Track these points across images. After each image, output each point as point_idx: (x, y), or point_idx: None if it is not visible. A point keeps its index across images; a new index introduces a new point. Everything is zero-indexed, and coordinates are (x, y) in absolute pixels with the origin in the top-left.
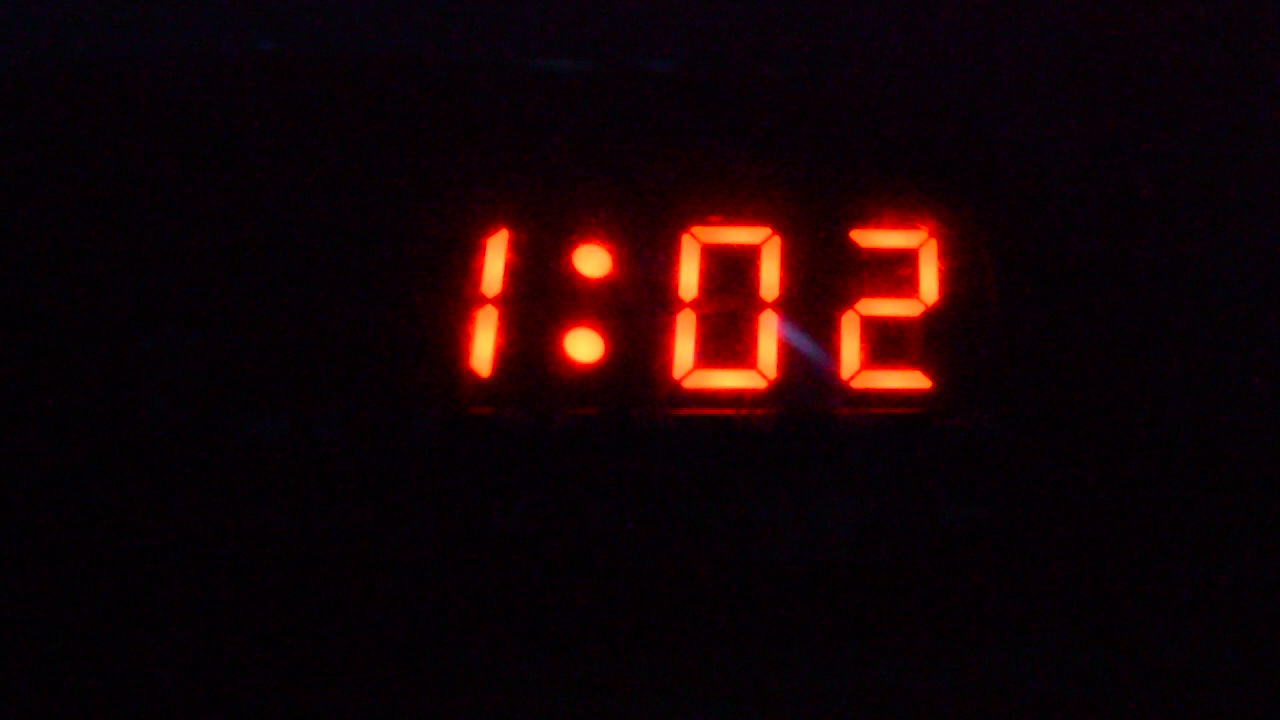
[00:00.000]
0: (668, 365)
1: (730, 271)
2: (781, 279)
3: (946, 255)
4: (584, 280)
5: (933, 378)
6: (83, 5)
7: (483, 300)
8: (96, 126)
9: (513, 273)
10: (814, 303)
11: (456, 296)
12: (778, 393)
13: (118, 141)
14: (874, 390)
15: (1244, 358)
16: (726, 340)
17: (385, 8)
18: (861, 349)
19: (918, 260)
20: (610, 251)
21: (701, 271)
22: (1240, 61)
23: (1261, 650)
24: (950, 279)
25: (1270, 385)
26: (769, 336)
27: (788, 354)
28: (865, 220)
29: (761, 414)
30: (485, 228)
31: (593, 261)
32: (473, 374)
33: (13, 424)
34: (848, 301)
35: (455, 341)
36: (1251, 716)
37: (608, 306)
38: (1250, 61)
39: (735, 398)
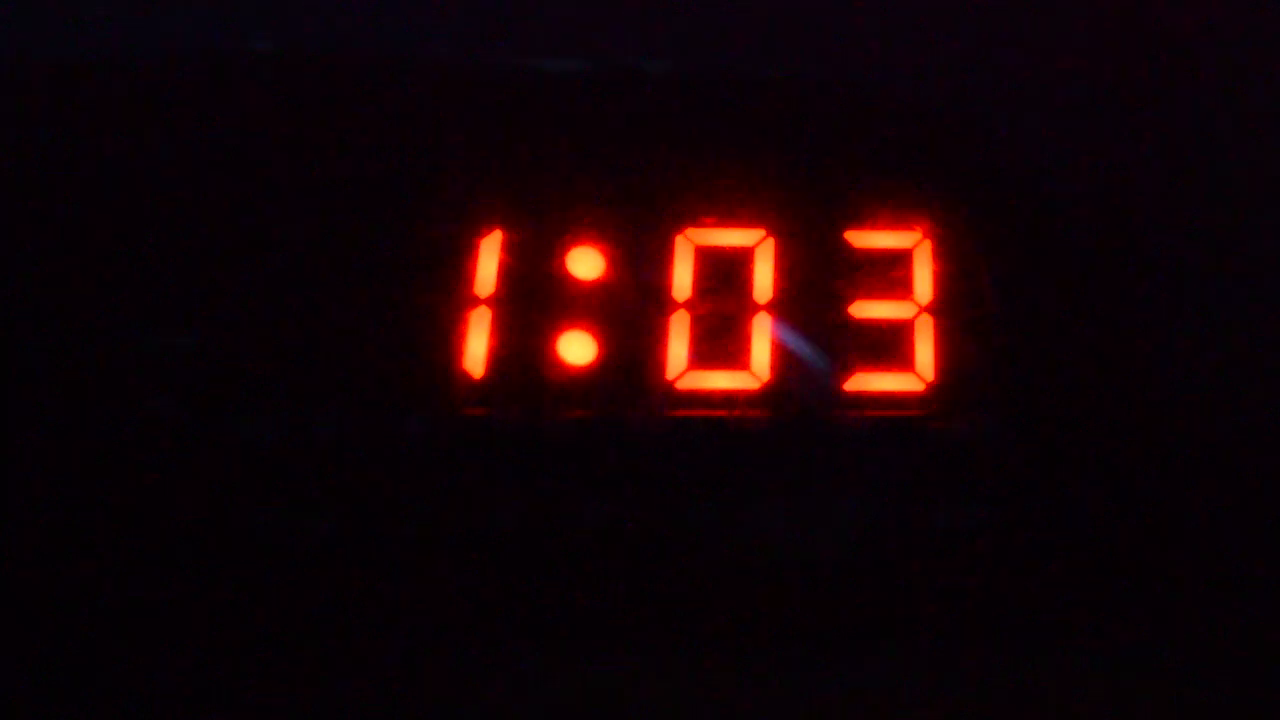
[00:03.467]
0: (661, 367)
1: (724, 273)
2: (775, 281)
3: (941, 257)
4: (578, 281)
5: (927, 380)
6: (82, 5)
7: (476, 301)
8: (93, 126)
9: (506, 274)
10: (808, 304)
11: (450, 297)
12: (771, 395)
13: (115, 142)
14: (868, 392)
15: (1243, 359)
16: (720, 342)
17: (378, 7)
18: (856, 351)
19: (912, 262)
20: (604, 253)
21: (695, 273)
22: (1240, 62)
23: (1261, 650)
24: (945, 281)
25: (1270, 386)
26: (763, 338)
27: (782, 356)
28: (860, 222)
29: (755, 416)
30: (479, 228)
31: (587, 263)
32: (466, 375)
33: (9, 425)
34: (842, 303)
35: (448, 342)
36: (1252, 716)
37: (601, 308)
38: (1251, 62)
39: (729, 400)
